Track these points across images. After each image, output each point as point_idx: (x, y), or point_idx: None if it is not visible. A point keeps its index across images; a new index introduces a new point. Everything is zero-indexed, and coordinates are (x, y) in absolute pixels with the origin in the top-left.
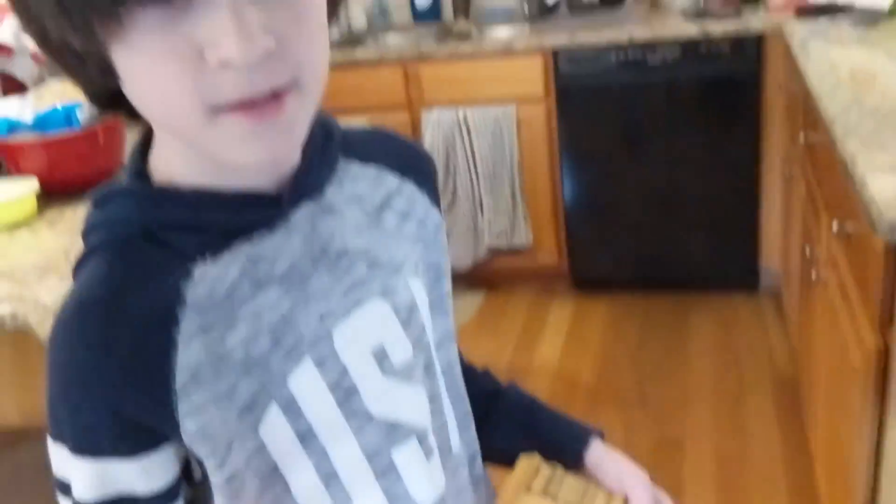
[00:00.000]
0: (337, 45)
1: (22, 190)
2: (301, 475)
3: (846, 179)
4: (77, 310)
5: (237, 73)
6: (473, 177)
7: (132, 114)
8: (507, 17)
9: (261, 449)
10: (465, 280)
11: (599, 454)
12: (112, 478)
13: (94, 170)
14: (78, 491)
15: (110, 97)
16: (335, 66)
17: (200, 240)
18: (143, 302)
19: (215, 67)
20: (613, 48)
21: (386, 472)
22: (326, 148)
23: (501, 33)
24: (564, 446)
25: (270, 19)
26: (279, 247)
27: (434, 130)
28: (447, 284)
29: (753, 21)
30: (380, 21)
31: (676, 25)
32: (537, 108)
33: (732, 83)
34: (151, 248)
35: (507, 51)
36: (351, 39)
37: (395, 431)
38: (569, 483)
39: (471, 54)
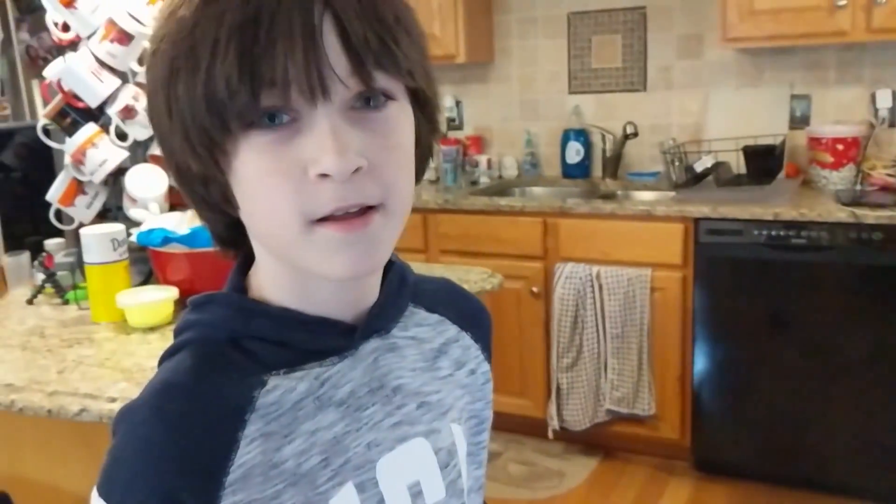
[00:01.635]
0: (485, 192)
1: (163, 296)
2: None
3: None
4: (162, 390)
5: (333, 188)
6: (601, 336)
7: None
8: (654, 181)
9: None
10: (581, 441)
11: None
12: None
13: None
14: None
15: (229, 235)
16: (479, 212)
17: (279, 354)
18: (220, 398)
19: (315, 181)
20: (757, 223)
21: None
22: (400, 292)
23: (646, 196)
24: None
25: (363, 144)
26: (344, 374)
27: (565, 284)
28: (486, 437)
29: None
30: (530, 173)
31: (826, 208)
32: (674, 275)
33: (888, 274)
34: (235, 353)
35: (648, 214)
36: (500, 188)
37: None
38: None
39: (611, 214)
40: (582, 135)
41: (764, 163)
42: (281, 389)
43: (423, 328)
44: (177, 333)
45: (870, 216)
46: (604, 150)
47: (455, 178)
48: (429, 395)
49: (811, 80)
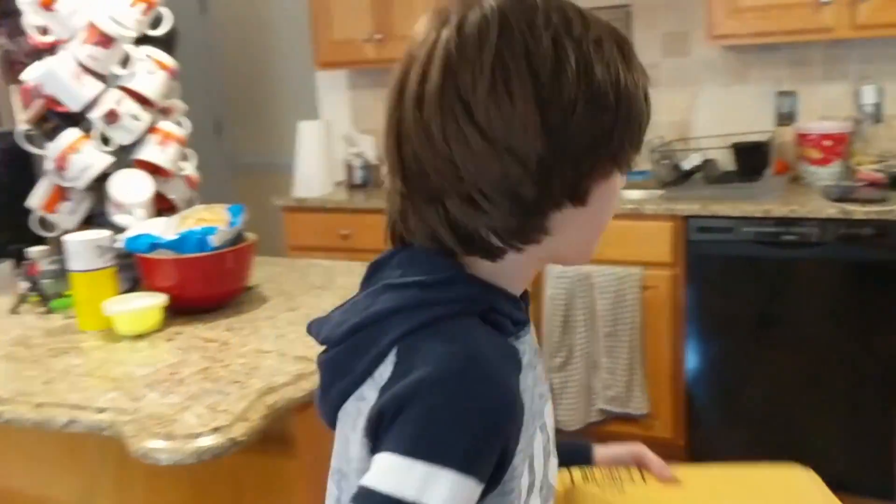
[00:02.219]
0: None
1: (151, 303)
2: None
3: None
4: (475, 357)
5: None
6: (593, 335)
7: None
8: (643, 180)
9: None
10: None
11: (602, 449)
12: (468, 498)
13: (220, 290)
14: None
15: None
16: None
17: (506, 324)
18: (508, 361)
19: None
20: (747, 221)
21: None
22: None
23: (634, 195)
24: (577, 454)
25: None
26: (527, 339)
27: (556, 284)
28: None
29: None
30: None
31: (816, 204)
32: (664, 273)
33: (878, 269)
34: (487, 324)
35: (637, 213)
36: None
37: (549, 494)
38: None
39: None
40: None
41: (752, 160)
42: (525, 354)
43: None
44: (422, 306)
45: (859, 212)
46: None
47: None
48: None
49: (797, 76)
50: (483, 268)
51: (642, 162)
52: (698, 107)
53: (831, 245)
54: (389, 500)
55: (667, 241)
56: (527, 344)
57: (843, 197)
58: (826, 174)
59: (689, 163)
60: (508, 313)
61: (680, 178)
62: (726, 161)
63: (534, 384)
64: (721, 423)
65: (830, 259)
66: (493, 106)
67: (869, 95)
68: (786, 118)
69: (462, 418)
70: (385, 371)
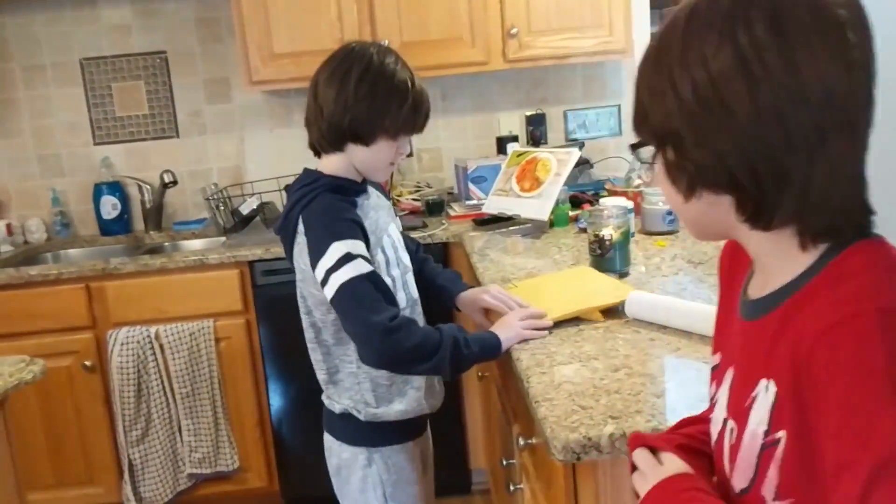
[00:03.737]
0: (9, 262)
1: None
2: None
3: (524, 394)
4: (332, 200)
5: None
6: (170, 399)
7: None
8: (202, 228)
9: None
10: None
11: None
12: (359, 247)
13: None
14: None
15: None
16: (4, 287)
17: (350, 191)
18: (345, 203)
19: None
20: None
21: None
22: None
23: (196, 245)
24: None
25: None
26: (368, 195)
27: (122, 351)
28: None
29: (438, 231)
30: (63, 235)
31: None
32: (237, 321)
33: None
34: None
35: (201, 264)
36: (28, 256)
37: (414, 304)
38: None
39: (161, 268)
40: (116, 188)
41: None
42: (367, 199)
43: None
44: (302, 196)
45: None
46: (143, 202)
47: None
48: None
49: None
50: (335, 169)
51: (199, 211)
52: (248, 151)
53: None
54: (342, 258)
55: (235, 289)
56: (366, 197)
57: None
58: None
59: (246, 207)
60: (349, 187)
61: (239, 224)
62: (283, 202)
63: (375, 211)
64: (311, 459)
65: None
66: (326, 86)
67: None
68: None
69: (332, 221)
70: (300, 227)
